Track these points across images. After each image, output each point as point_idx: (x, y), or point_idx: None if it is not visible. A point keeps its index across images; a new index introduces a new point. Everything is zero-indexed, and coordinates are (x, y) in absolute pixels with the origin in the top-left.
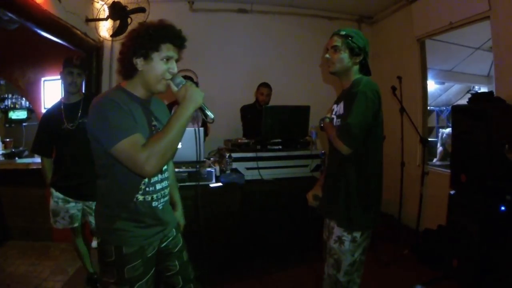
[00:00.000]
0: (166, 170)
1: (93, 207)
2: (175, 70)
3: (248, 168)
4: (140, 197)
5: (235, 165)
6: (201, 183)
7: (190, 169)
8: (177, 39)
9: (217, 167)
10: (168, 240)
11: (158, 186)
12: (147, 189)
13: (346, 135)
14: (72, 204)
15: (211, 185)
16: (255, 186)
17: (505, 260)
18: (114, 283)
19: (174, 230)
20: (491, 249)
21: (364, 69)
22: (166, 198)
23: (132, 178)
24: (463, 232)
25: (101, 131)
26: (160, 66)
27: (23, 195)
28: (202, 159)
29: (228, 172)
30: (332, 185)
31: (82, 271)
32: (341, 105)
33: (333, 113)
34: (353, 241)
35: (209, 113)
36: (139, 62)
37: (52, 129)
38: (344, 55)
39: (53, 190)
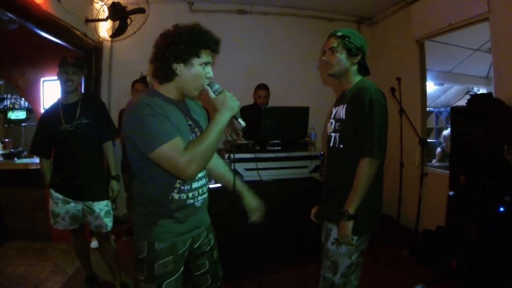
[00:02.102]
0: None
1: (93, 208)
2: (212, 75)
3: (247, 169)
4: (176, 196)
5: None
6: None
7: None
8: (216, 45)
9: None
10: (201, 240)
11: (195, 185)
12: (182, 187)
13: (377, 149)
14: (72, 204)
15: (210, 186)
16: (254, 187)
17: (504, 261)
18: (143, 280)
19: (206, 229)
20: (490, 250)
21: (363, 69)
22: (204, 196)
23: (167, 178)
24: (462, 233)
25: (139, 136)
26: (199, 72)
27: (22, 195)
28: None
29: None
30: (332, 189)
31: (81, 271)
32: (342, 109)
33: (332, 116)
34: (350, 244)
35: (241, 121)
36: (179, 67)
37: (50, 130)
38: (342, 56)
39: (52, 191)
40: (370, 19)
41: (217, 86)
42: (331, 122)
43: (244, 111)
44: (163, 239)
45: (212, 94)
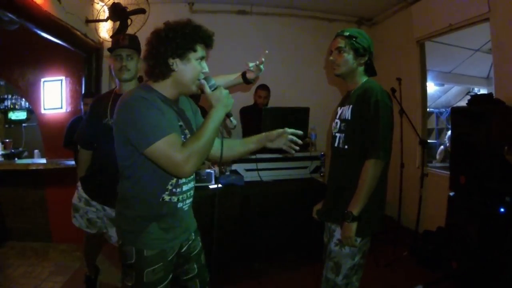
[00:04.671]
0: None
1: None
2: (207, 70)
3: (247, 170)
4: (166, 197)
5: (234, 166)
6: (200, 184)
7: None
8: (210, 40)
9: (217, 169)
10: (189, 244)
11: (185, 188)
12: (173, 190)
13: (381, 151)
14: (93, 209)
15: (211, 187)
16: (254, 188)
17: (504, 262)
18: (131, 287)
19: (194, 233)
20: (491, 251)
21: (369, 69)
22: (191, 199)
23: (159, 178)
24: (463, 234)
25: (133, 131)
26: (195, 66)
27: (23, 196)
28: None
29: (227, 173)
30: (336, 189)
31: (82, 271)
32: (348, 109)
33: (337, 116)
34: (354, 245)
35: (233, 119)
36: (175, 63)
37: (93, 120)
38: (349, 57)
39: (79, 187)
40: (371, 19)
41: (213, 82)
42: (336, 122)
43: (245, 112)
44: (152, 246)
45: (208, 90)
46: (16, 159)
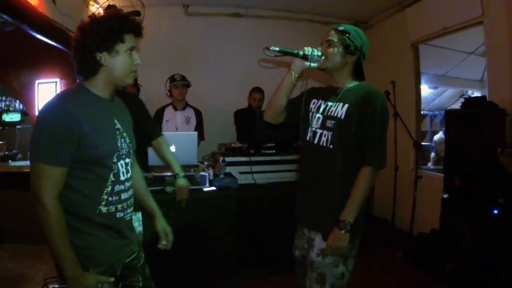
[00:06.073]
0: (130, 178)
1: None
2: (139, 61)
3: (241, 172)
4: (104, 209)
5: (228, 169)
6: (194, 187)
7: (184, 173)
8: (138, 28)
9: (211, 171)
10: (134, 255)
11: (124, 196)
12: (110, 199)
13: (383, 156)
14: None
15: (205, 189)
16: (248, 190)
17: (498, 264)
18: None
19: (137, 245)
20: (485, 253)
21: (359, 72)
22: (132, 209)
23: (94, 187)
24: (457, 236)
25: (36, 138)
26: (126, 58)
27: (17, 198)
28: (196, 163)
29: (221, 176)
30: (316, 193)
31: None
32: (341, 108)
33: (319, 111)
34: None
35: None
36: (103, 57)
37: None
38: (337, 51)
39: None
40: (365, 22)
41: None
42: (318, 117)
43: (239, 115)
44: (98, 264)
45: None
46: (10, 161)
